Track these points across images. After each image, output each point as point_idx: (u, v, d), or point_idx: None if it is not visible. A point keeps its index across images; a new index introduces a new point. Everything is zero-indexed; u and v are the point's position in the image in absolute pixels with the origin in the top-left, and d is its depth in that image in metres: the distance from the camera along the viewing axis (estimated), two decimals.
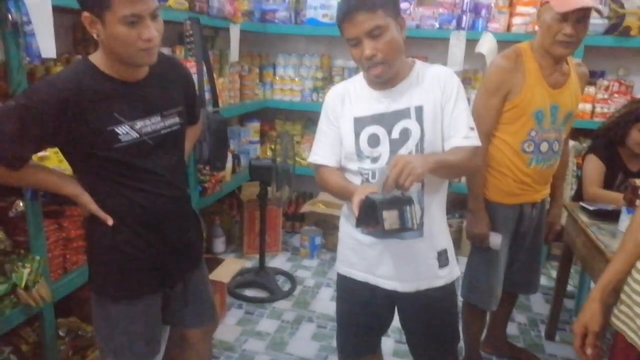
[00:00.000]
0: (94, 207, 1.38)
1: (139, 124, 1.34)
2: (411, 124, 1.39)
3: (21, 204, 1.70)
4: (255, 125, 3.92)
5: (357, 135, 1.42)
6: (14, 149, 1.24)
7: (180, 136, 1.51)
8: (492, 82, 1.85)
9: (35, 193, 1.66)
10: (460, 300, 2.55)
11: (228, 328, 2.63)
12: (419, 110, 1.39)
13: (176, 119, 1.45)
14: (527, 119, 1.84)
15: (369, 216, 1.24)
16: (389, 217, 1.21)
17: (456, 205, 3.76)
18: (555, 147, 1.92)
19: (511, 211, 1.96)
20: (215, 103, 2.81)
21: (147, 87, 1.37)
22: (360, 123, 1.42)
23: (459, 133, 1.39)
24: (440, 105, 1.39)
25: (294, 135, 3.89)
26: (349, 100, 1.46)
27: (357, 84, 1.48)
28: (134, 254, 1.41)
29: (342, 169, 1.51)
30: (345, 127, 1.45)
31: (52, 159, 1.63)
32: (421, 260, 1.47)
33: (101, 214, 1.37)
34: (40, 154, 1.53)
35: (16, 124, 1.21)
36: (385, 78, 1.38)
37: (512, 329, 2.66)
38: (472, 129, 1.40)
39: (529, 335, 2.66)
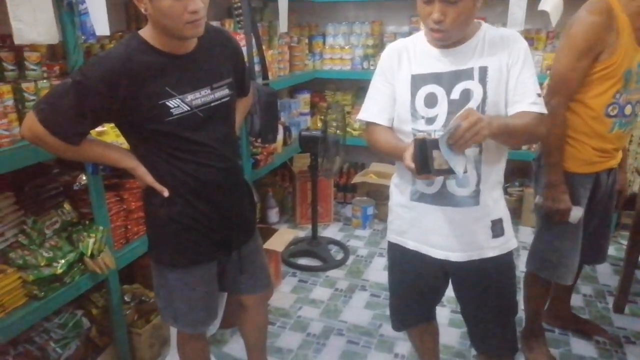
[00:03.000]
0: (150, 179, 1.42)
1: (189, 97, 1.35)
2: (473, 85, 1.32)
3: (84, 177, 1.79)
4: (305, 96, 3.90)
5: (413, 94, 1.37)
6: (72, 125, 1.29)
7: (230, 108, 1.51)
8: (583, 41, 1.64)
9: (96, 167, 1.74)
10: (519, 270, 2.47)
11: (283, 295, 2.69)
12: (483, 71, 1.32)
13: (226, 91, 1.45)
14: (616, 81, 1.67)
15: (422, 160, 1.19)
16: (438, 157, 1.17)
17: (516, 173, 3.59)
18: (637, 109, 1.75)
19: (588, 180, 1.83)
20: (264, 75, 2.81)
21: (196, 59, 1.38)
22: (417, 81, 1.36)
23: (526, 99, 1.31)
24: (506, 68, 1.32)
25: (345, 105, 3.84)
26: (407, 57, 1.40)
27: (418, 41, 1.41)
28: (189, 224, 1.45)
29: (394, 131, 1.46)
30: (401, 85, 1.39)
31: (110, 133, 1.69)
32: (474, 229, 1.41)
33: (157, 185, 1.42)
34: (98, 129, 1.60)
35: (73, 100, 1.25)
36: (445, 43, 1.32)
37: (576, 301, 2.54)
38: (539, 95, 1.32)
39: (596, 307, 2.53)
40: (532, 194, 3.37)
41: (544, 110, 1.33)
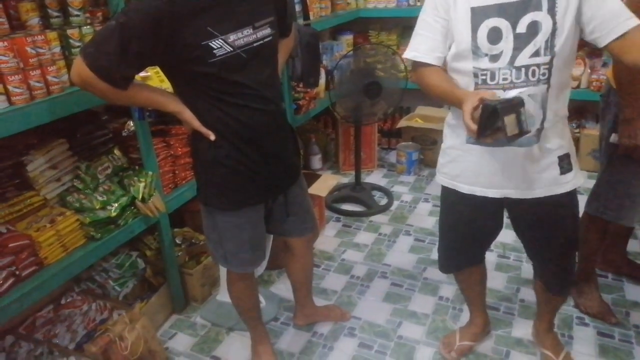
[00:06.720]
0: (196, 123, 1.41)
1: (232, 37, 1.32)
2: (541, 16, 1.20)
3: (132, 124, 1.82)
4: (348, 38, 3.77)
5: (474, 28, 1.26)
6: (119, 68, 1.28)
7: (273, 48, 1.47)
8: None
9: (142, 113, 1.76)
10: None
11: (327, 239, 2.73)
12: None
13: (268, 30, 1.40)
14: None
15: (488, 125, 1.13)
16: (510, 123, 1.10)
17: (573, 114, 3.38)
18: None
19: None
20: (305, 15, 2.72)
21: None
22: (479, 14, 1.25)
23: (622, 15, 1.17)
24: None
25: (390, 46, 3.69)
26: None
27: None
28: (235, 168, 1.46)
29: (447, 70, 1.37)
30: (459, 19, 1.28)
31: (154, 79, 1.69)
32: (540, 166, 1.35)
33: (204, 129, 1.41)
34: (142, 74, 1.60)
35: (118, 42, 1.24)
36: None
37: (633, 246, 2.43)
38: None
39: None
40: (590, 136, 3.22)
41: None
